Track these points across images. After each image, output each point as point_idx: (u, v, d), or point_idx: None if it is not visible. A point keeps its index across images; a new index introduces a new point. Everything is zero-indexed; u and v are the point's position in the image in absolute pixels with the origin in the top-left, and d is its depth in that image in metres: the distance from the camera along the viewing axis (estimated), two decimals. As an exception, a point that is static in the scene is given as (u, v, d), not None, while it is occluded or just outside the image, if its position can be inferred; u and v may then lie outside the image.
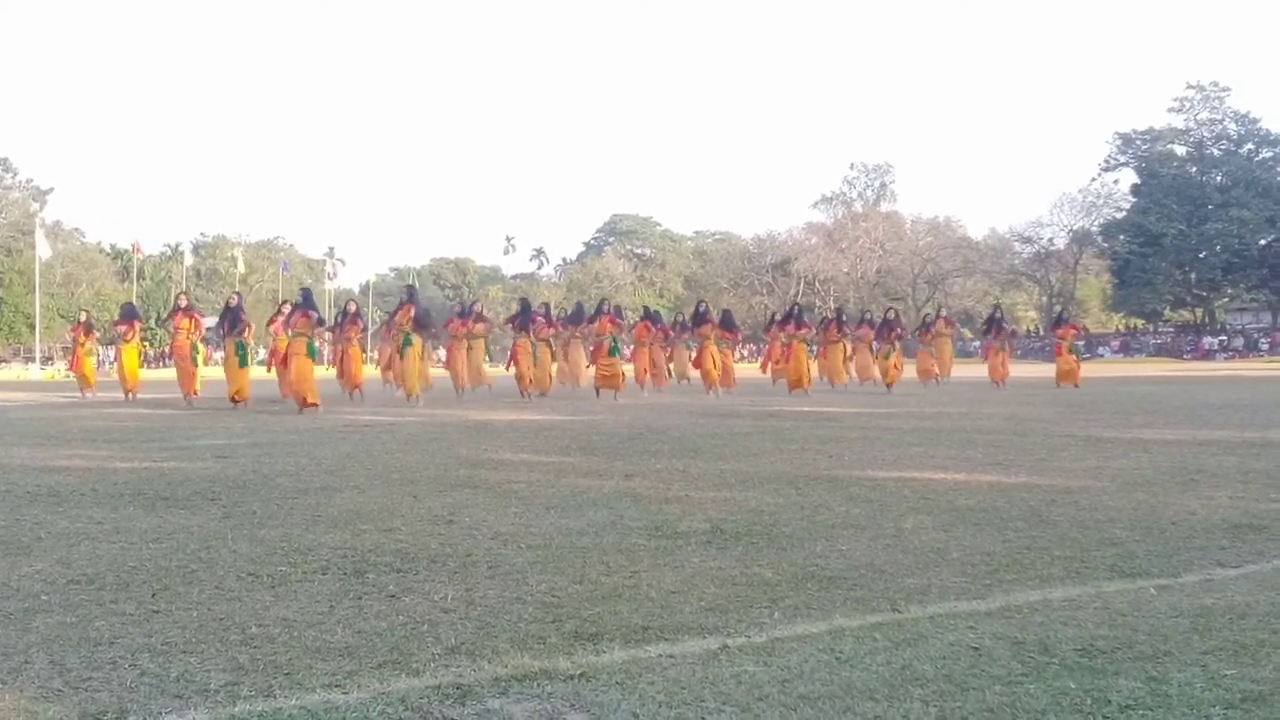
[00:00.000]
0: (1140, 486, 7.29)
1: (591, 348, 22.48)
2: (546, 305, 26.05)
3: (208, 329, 28.24)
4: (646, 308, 27.96)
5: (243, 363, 18.95)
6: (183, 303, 21.36)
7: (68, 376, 30.34)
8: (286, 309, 20.18)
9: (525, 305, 22.94)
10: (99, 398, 22.40)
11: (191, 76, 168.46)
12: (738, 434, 12.05)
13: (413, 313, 19.51)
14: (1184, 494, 6.93)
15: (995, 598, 4.17)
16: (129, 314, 23.88)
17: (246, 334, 19.33)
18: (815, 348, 26.13)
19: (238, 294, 23.84)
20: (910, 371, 27.47)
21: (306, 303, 18.76)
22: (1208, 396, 20.70)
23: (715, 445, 10.61)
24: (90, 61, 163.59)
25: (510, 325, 22.41)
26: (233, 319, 19.39)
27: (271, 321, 21.30)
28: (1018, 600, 4.13)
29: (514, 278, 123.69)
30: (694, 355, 24.46)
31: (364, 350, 23.09)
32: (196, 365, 20.45)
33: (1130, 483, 7.50)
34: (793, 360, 23.11)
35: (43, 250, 61.03)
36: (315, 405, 16.91)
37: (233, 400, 18.34)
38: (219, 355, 27.22)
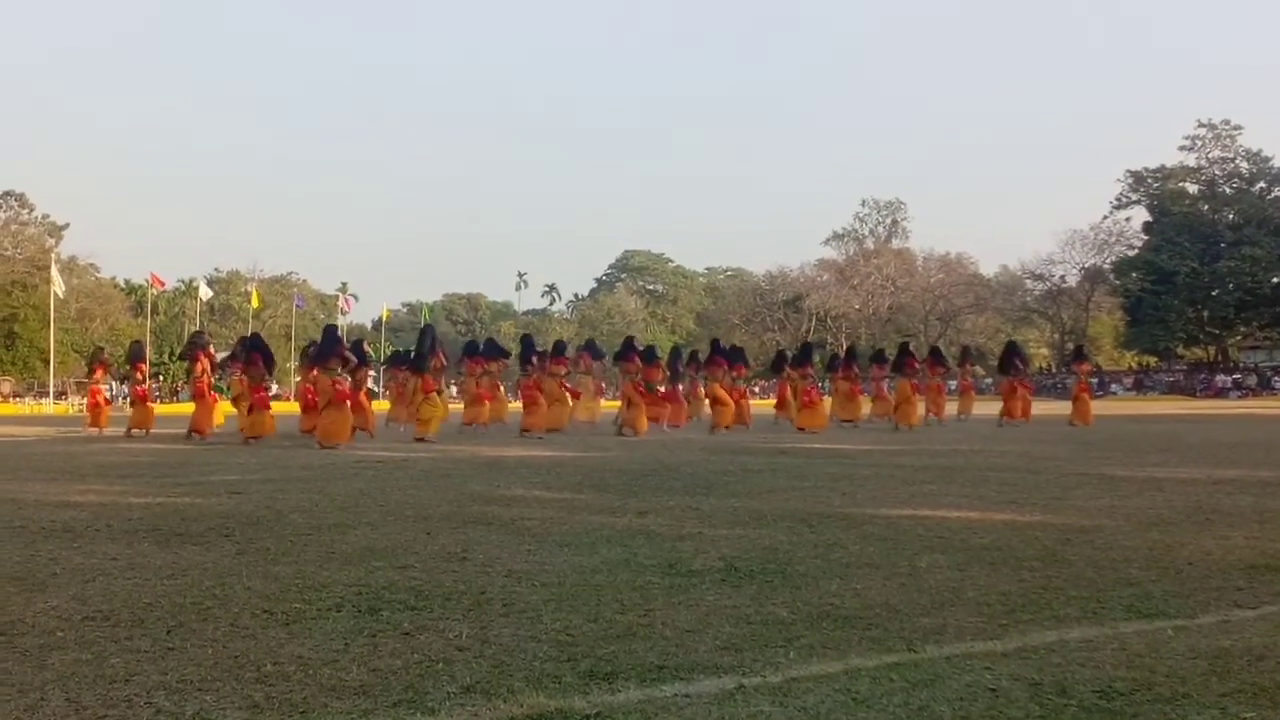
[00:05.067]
0: (1155, 526, 7.26)
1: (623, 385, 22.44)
2: (561, 343, 26.11)
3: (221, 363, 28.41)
4: (651, 346, 27.70)
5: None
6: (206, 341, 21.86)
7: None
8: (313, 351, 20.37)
9: (528, 343, 23.09)
10: (108, 433, 22.41)
11: (205, 114, 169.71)
12: (750, 471, 12.03)
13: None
14: (1200, 533, 6.90)
15: (1012, 638, 4.15)
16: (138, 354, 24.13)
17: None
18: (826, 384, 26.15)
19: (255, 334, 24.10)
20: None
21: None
22: (1221, 435, 20.63)
23: (728, 482, 10.60)
24: (105, 98, 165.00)
25: (524, 364, 22.55)
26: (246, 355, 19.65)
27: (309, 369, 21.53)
28: (1034, 641, 4.11)
29: (526, 314, 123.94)
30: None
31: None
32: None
33: (1145, 522, 7.47)
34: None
35: (58, 286, 61.30)
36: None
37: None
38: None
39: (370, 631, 4.27)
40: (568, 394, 23.28)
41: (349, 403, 18.37)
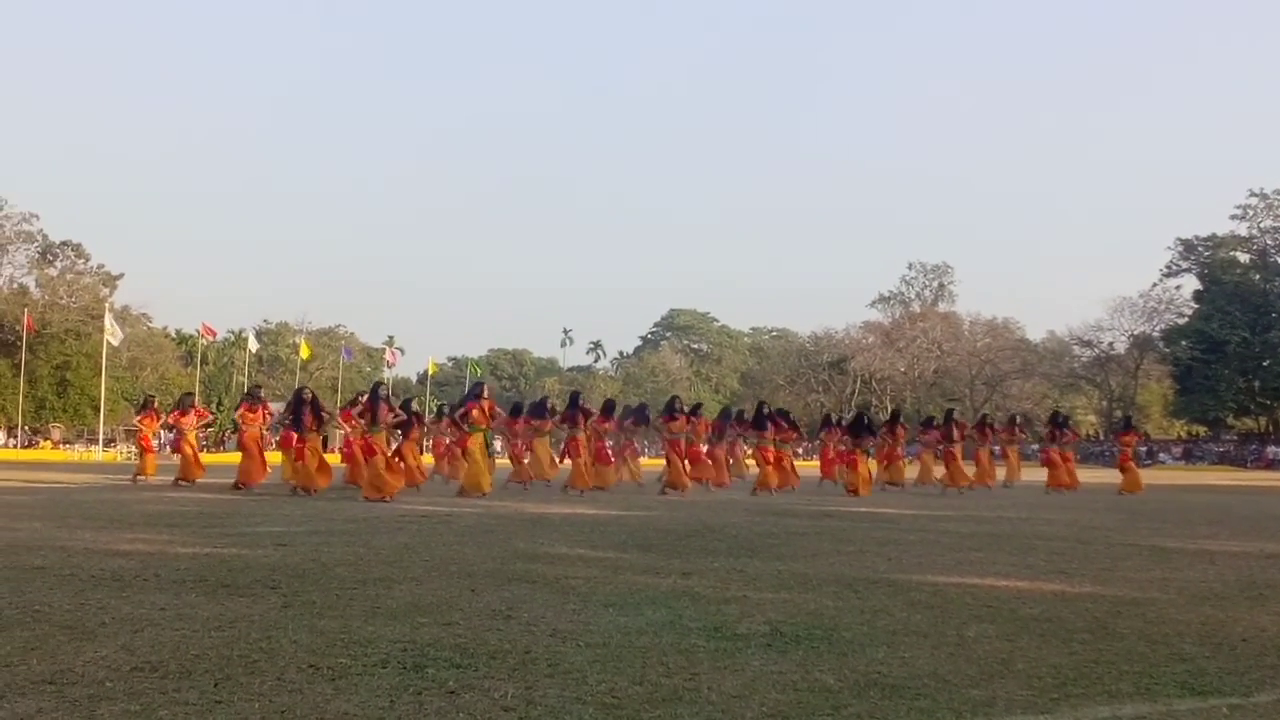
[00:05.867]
0: (1208, 600, 7.15)
1: (667, 445, 22.22)
2: (611, 401, 26.13)
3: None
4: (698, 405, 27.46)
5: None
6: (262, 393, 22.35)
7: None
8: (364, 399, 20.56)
9: (574, 398, 23.06)
10: (154, 482, 22.61)
11: (256, 169, 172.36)
12: (795, 534, 11.96)
13: (491, 409, 19.90)
14: (1254, 609, 6.78)
15: (1063, 713, 4.09)
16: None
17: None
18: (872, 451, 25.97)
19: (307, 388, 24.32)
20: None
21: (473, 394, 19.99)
22: (1274, 507, 20.32)
23: (772, 545, 10.54)
24: (161, 154, 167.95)
25: (564, 420, 22.49)
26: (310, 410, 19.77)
27: (347, 415, 21.99)
28: (1086, 716, 4.04)
29: (571, 370, 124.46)
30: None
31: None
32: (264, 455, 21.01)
33: (1198, 595, 7.36)
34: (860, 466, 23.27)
35: (113, 337, 62.09)
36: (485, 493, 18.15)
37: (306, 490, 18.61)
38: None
39: (416, 689, 4.27)
40: (608, 454, 23.21)
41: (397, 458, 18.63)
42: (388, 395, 19.82)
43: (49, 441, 66.31)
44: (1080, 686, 4.54)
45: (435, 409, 42.28)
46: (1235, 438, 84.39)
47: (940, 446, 26.41)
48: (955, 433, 25.53)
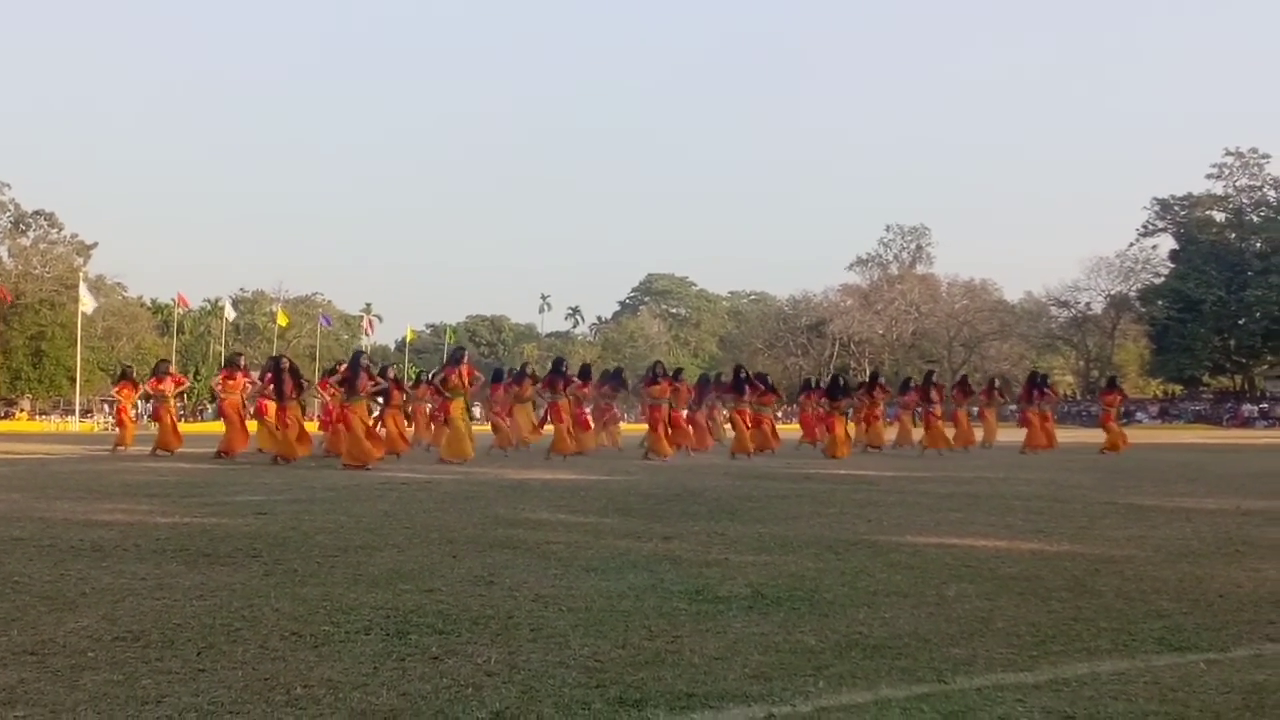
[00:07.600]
0: (1185, 557, 7.21)
1: (649, 410, 22.13)
2: (587, 366, 26.07)
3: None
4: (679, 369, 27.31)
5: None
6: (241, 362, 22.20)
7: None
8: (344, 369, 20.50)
9: (557, 364, 23.02)
10: (132, 452, 22.54)
11: (232, 137, 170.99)
12: (774, 496, 12.01)
13: (471, 374, 19.84)
14: (1229, 565, 6.84)
15: (1043, 670, 4.12)
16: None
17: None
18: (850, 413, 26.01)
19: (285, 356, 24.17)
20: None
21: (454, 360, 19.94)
22: (1248, 465, 20.49)
23: (753, 508, 10.57)
24: (134, 122, 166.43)
25: (545, 385, 22.40)
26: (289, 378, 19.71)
27: (324, 384, 22.05)
28: (1066, 673, 4.08)
29: (549, 336, 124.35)
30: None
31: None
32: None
33: (1175, 553, 7.42)
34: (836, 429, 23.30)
35: (87, 306, 61.64)
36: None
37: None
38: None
39: (399, 655, 4.28)
40: (588, 419, 23.12)
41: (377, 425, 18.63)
42: (368, 364, 19.61)
43: (24, 412, 65.95)
44: (1059, 644, 4.58)
45: (415, 376, 42.15)
46: (1211, 396, 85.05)
47: (918, 408, 26.42)
48: (934, 394, 25.54)
